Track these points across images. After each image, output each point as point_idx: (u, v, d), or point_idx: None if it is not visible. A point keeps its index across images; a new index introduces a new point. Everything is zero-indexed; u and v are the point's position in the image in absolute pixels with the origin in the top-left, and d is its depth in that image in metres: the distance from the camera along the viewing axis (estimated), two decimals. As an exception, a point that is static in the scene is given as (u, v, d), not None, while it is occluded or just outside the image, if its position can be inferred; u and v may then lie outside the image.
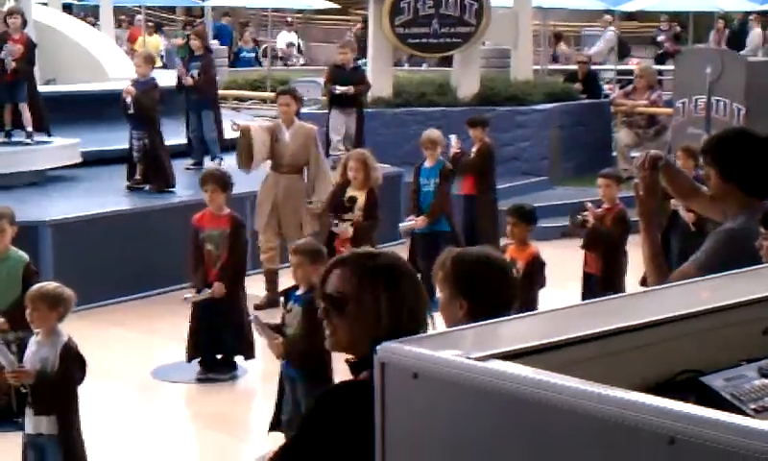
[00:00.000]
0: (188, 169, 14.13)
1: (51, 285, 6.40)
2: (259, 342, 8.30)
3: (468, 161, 11.89)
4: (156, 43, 26.72)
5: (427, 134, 11.18)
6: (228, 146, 14.44)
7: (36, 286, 6.49)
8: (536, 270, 8.02)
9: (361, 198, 9.79)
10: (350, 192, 9.83)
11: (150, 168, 12.63)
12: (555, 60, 26.06)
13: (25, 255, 7.83)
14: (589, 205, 9.29)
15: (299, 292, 7.01)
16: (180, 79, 14.08)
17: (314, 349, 6.52)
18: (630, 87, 17.67)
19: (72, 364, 6.17)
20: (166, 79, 14.30)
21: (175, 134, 14.17)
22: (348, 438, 2.97)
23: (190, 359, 9.06)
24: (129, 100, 12.37)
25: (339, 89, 14.19)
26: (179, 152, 14.02)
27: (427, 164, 11.04)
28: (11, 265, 7.72)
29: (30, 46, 13.16)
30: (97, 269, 10.86)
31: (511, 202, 12.41)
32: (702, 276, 3.83)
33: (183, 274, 10.56)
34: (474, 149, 12.04)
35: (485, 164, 12.01)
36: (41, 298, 6.21)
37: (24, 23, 13.24)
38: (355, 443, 2.94)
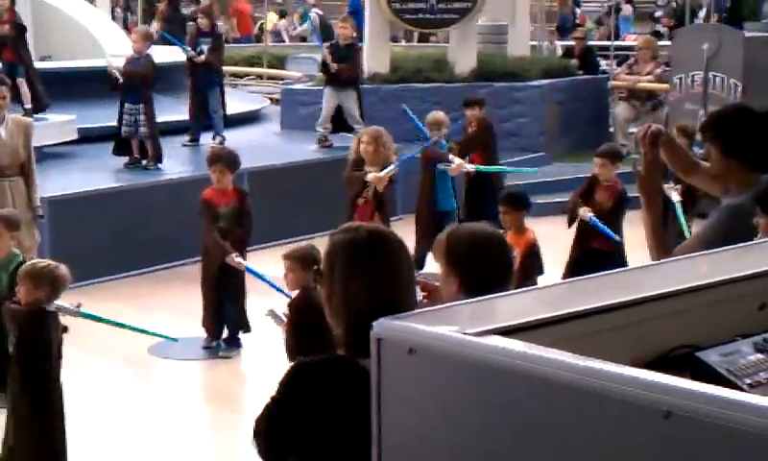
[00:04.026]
0: (185, 145, 14.14)
1: (41, 263, 6.36)
2: (256, 318, 8.33)
3: (468, 137, 11.77)
4: (275, 19, 26.38)
5: (433, 116, 10.97)
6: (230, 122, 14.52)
7: (27, 263, 6.48)
8: (532, 260, 7.94)
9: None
10: (368, 175, 9.75)
11: (147, 143, 12.69)
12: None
13: (20, 255, 7.75)
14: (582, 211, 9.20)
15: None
16: (190, 59, 14.06)
17: (301, 345, 6.55)
18: (632, 60, 17.62)
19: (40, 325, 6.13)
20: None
21: (173, 111, 14.16)
22: (315, 411, 2.99)
23: (204, 325, 9.24)
24: (116, 75, 12.52)
25: (328, 62, 14.09)
26: (177, 128, 14.03)
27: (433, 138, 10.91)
28: (11, 268, 7.66)
29: (17, 27, 13.35)
30: (93, 245, 10.86)
31: (508, 178, 12.45)
32: (705, 251, 3.83)
33: (181, 249, 10.59)
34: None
35: (485, 139, 11.88)
36: (27, 275, 6.19)
37: (13, 2, 13.43)
38: (323, 417, 2.97)
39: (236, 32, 27.63)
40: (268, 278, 8.31)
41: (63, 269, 6.26)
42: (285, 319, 6.70)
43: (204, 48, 14.06)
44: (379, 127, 10.36)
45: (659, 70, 16.78)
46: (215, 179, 9.08)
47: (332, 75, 14.14)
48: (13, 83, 13.17)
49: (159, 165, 12.72)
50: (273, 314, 6.85)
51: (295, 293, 6.78)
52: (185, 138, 14.23)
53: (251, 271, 8.77)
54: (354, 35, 14.76)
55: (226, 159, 9.16)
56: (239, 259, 8.84)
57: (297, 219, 10.51)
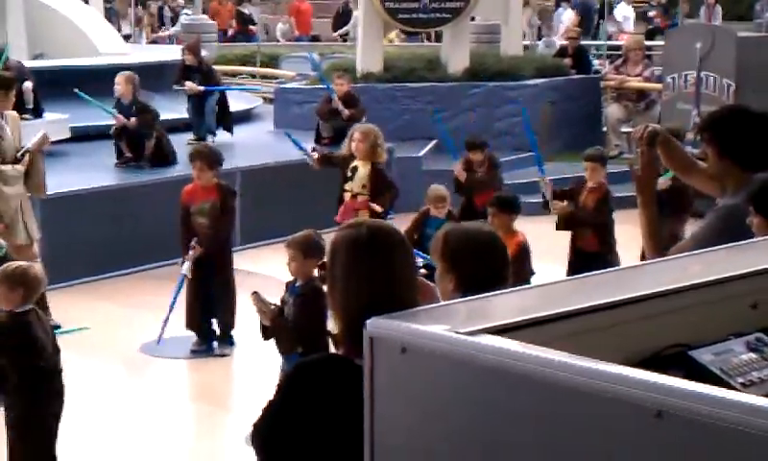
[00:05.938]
0: (190, 143, 14.12)
1: (13, 266, 6.28)
2: (248, 317, 8.32)
3: (479, 179, 11.49)
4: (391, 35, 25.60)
5: (434, 192, 10.05)
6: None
7: (2, 266, 6.41)
8: (523, 262, 7.89)
9: (363, 169, 9.76)
10: (355, 163, 9.82)
11: (154, 144, 12.75)
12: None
13: (4, 247, 7.71)
14: (547, 181, 9.39)
15: (297, 284, 6.95)
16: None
17: (303, 336, 6.53)
18: (619, 61, 17.65)
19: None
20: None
21: (173, 110, 14.15)
22: (313, 412, 2.98)
23: (189, 328, 9.20)
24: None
25: (341, 109, 13.88)
26: (174, 127, 14.01)
27: (435, 215, 10.00)
28: None
29: None
30: (86, 244, 10.84)
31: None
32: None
33: (173, 249, 10.55)
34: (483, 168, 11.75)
35: (494, 179, 11.71)
36: (2, 278, 6.13)
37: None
38: (321, 418, 2.96)
39: (295, 31, 27.48)
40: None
41: (37, 269, 6.23)
42: (266, 308, 6.72)
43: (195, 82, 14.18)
44: (372, 125, 10.32)
45: (647, 72, 16.81)
46: (195, 175, 9.17)
47: (337, 113, 14.02)
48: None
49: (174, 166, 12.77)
50: (257, 298, 6.83)
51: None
52: (190, 137, 14.24)
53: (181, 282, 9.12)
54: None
55: (205, 156, 9.23)
56: (185, 267, 9.06)
57: (289, 218, 10.48)
